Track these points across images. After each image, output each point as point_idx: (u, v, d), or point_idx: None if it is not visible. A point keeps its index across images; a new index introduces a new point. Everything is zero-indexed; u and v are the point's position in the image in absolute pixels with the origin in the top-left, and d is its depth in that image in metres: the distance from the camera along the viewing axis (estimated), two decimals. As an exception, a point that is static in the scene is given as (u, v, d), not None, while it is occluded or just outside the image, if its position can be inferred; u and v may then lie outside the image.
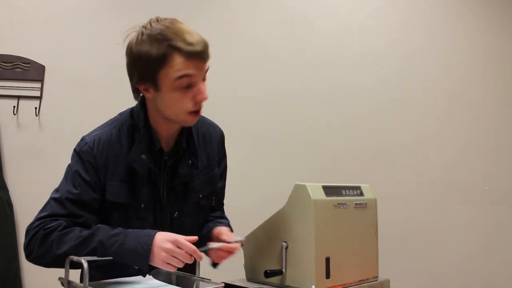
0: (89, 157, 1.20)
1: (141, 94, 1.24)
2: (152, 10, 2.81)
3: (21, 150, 2.60)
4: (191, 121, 1.21)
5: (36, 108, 2.63)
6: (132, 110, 1.29)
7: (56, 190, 1.22)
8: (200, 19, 2.76)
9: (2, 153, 2.59)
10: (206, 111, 1.58)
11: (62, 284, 1.05)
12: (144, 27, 1.14)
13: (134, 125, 1.25)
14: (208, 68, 1.18)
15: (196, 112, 1.19)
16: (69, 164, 1.24)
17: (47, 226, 1.14)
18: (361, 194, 1.36)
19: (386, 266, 1.46)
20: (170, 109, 1.19)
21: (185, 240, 1.09)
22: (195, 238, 1.11)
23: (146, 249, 1.07)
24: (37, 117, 2.64)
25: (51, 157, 2.60)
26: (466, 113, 2.77)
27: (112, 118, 1.31)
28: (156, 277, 1.18)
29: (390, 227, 2.48)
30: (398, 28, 2.81)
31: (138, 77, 1.16)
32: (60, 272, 1.06)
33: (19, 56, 2.65)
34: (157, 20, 1.15)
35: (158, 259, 1.07)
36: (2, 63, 2.63)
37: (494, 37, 2.80)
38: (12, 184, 2.57)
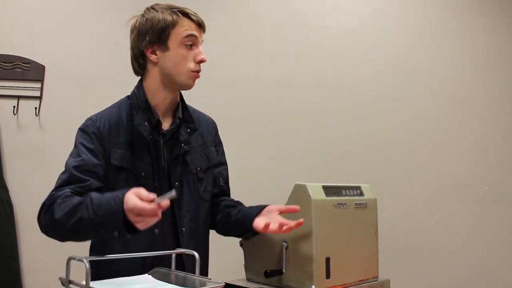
0: (93, 128, 1.32)
1: (140, 77, 1.42)
2: (152, 10, 2.82)
3: (21, 150, 2.60)
4: (191, 82, 1.37)
5: (36, 108, 2.63)
6: (128, 95, 1.43)
7: (64, 167, 1.31)
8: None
9: (2, 153, 2.59)
10: (207, 110, 1.59)
11: (63, 284, 1.05)
12: (148, 8, 1.38)
13: (131, 105, 1.38)
14: (203, 41, 1.40)
15: (197, 72, 1.36)
16: (74, 145, 1.34)
17: (53, 197, 1.23)
18: (361, 194, 1.37)
19: (386, 266, 1.47)
20: (176, 67, 1.35)
21: (147, 205, 1.06)
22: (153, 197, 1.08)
23: (119, 203, 1.08)
24: (37, 117, 2.64)
25: (51, 157, 2.59)
26: (466, 112, 2.77)
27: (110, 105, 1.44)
28: (155, 276, 1.18)
29: (390, 227, 2.49)
30: (398, 27, 2.82)
31: (148, 40, 1.34)
32: (60, 272, 1.06)
33: (19, 56, 2.65)
34: (157, 4, 1.39)
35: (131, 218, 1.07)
36: (2, 63, 2.63)
37: (496, 36, 2.81)
38: (12, 184, 2.57)
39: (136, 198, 1.07)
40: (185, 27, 1.34)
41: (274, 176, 2.64)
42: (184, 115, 1.42)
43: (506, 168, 2.73)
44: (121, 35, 2.72)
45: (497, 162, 2.74)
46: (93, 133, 1.31)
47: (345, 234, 1.28)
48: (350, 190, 1.34)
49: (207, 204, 1.45)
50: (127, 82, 2.86)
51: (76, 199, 1.20)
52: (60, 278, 1.05)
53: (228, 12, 2.82)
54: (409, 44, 2.80)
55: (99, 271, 1.23)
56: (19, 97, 2.64)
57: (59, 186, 1.26)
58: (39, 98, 2.65)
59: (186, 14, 1.35)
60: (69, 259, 1.02)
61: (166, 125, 1.39)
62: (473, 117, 2.77)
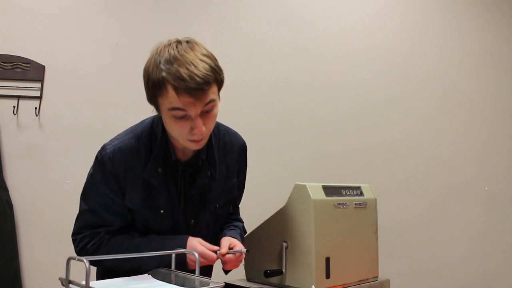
0: (109, 166, 1.23)
1: None
2: (152, 11, 2.84)
3: (21, 150, 2.60)
4: (192, 146, 1.20)
5: (36, 108, 2.63)
6: (153, 119, 1.29)
7: (84, 198, 1.28)
8: (200, 19, 2.75)
9: (2, 153, 2.59)
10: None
11: (63, 284, 1.04)
12: (159, 50, 1.13)
13: (152, 134, 1.26)
14: (210, 101, 1.12)
15: (194, 141, 1.17)
16: (91, 171, 1.28)
17: (91, 243, 1.24)
18: (361, 194, 1.37)
19: (386, 266, 1.47)
20: (170, 132, 1.21)
21: (209, 251, 1.22)
22: (216, 248, 1.24)
23: (183, 255, 1.21)
24: (37, 117, 2.64)
25: (51, 157, 2.60)
26: (467, 113, 2.77)
27: (134, 126, 1.32)
28: (156, 276, 1.18)
29: (390, 227, 2.49)
30: (397, 28, 2.81)
31: (146, 96, 1.17)
32: (60, 272, 1.06)
33: (19, 56, 2.65)
34: (175, 43, 1.14)
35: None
36: (2, 63, 2.63)
37: (500, 37, 2.81)
38: (12, 184, 2.57)
39: (200, 245, 1.21)
40: (169, 99, 1.09)
41: (274, 176, 2.64)
42: (209, 156, 1.30)
43: (506, 168, 2.73)
44: (121, 35, 2.75)
45: (497, 162, 2.74)
46: (110, 171, 1.23)
47: (345, 234, 1.28)
48: (350, 190, 1.34)
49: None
50: (127, 82, 2.85)
51: (122, 241, 1.24)
52: (60, 278, 1.05)
53: (229, 14, 2.81)
54: (411, 45, 2.80)
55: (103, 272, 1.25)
56: (19, 97, 2.64)
57: (89, 227, 1.25)
58: (39, 98, 2.65)
59: (169, 82, 1.07)
60: (69, 259, 1.02)
61: (186, 157, 1.29)
62: (474, 116, 2.77)
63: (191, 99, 1.08)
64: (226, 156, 1.36)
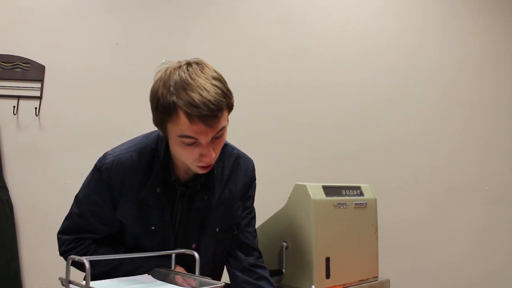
0: (106, 176, 1.23)
1: None
2: (152, 11, 2.83)
3: (21, 150, 2.60)
4: (200, 171, 1.17)
5: (36, 108, 2.63)
6: (158, 135, 1.27)
7: (77, 201, 1.28)
8: (200, 19, 2.75)
9: (2, 153, 2.59)
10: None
11: (63, 284, 1.04)
12: (168, 72, 1.09)
13: (155, 152, 1.25)
14: (222, 128, 1.10)
15: (203, 167, 1.15)
16: (89, 177, 1.28)
17: (76, 250, 1.24)
18: (361, 194, 1.37)
19: (386, 266, 1.47)
20: (178, 156, 1.18)
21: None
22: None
23: None
24: (37, 117, 2.64)
25: (51, 157, 2.60)
26: (467, 113, 2.77)
27: (139, 138, 1.30)
28: (155, 276, 1.18)
29: (390, 227, 2.49)
30: (397, 28, 2.82)
31: (153, 119, 1.14)
32: (60, 272, 1.06)
33: (19, 56, 2.64)
34: (186, 65, 1.10)
35: None
36: (2, 63, 2.63)
37: (500, 36, 2.81)
38: (12, 184, 2.57)
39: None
40: (180, 126, 1.06)
41: (274, 176, 2.63)
42: (208, 180, 1.27)
43: (506, 168, 2.73)
44: (121, 35, 2.75)
45: (497, 162, 2.74)
46: (106, 182, 1.22)
47: (345, 234, 1.28)
48: (350, 190, 1.34)
49: (223, 263, 1.36)
50: (127, 82, 2.85)
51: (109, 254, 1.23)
52: (60, 278, 1.05)
53: (229, 14, 2.81)
54: (411, 45, 2.80)
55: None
56: (19, 97, 2.63)
57: (76, 230, 1.26)
58: (39, 98, 2.64)
59: (180, 108, 1.04)
60: (69, 259, 1.02)
61: (187, 177, 1.26)
62: (474, 116, 2.77)
63: (204, 127, 1.05)
64: (230, 179, 1.32)
